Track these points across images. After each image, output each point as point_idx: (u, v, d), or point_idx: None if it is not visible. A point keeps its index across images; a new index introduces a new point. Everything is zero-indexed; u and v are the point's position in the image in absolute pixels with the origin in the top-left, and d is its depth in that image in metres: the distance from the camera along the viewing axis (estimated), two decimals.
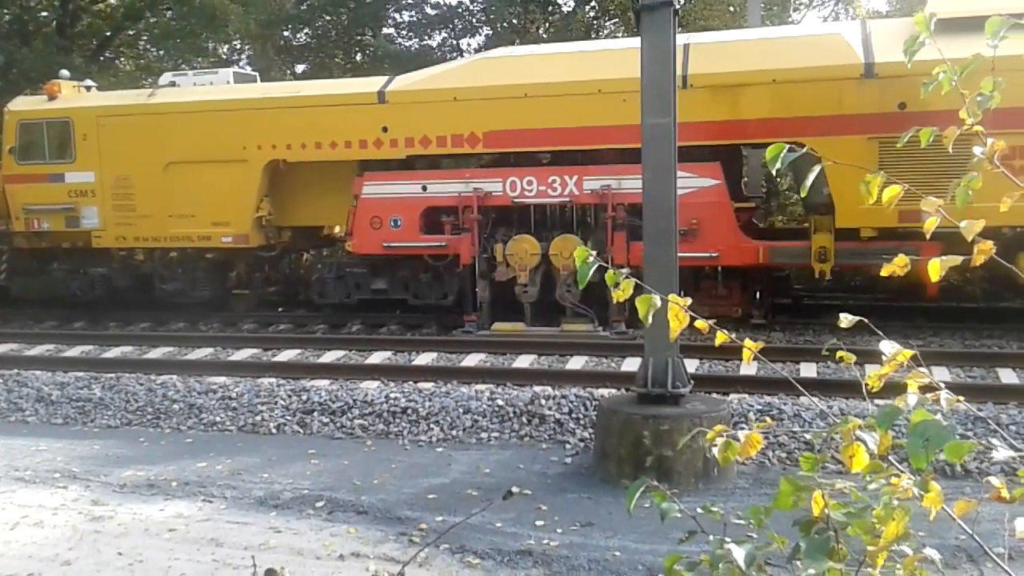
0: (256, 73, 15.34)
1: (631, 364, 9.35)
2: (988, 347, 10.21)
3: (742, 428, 6.22)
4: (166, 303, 13.97)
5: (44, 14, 23.45)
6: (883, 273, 2.10)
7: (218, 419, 8.75)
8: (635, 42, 13.16)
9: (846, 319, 1.99)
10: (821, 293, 14.30)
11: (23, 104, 14.39)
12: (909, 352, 1.87)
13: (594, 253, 2.13)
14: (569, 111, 11.29)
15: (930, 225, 1.95)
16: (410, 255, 12.41)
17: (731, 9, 21.82)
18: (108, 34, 24.58)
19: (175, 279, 13.81)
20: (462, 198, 11.94)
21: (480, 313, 12.04)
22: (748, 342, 2.09)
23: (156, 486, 6.83)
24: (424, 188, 12.20)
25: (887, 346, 1.89)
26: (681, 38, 12.28)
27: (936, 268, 1.93)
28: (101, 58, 23.73)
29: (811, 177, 2.12)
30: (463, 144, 11.92)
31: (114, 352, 11.70)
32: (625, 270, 2.12)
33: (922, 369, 1.84)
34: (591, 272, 2.10)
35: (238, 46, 26.33)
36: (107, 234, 13.67)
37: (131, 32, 25.32)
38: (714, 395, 7.69)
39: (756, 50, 10.99)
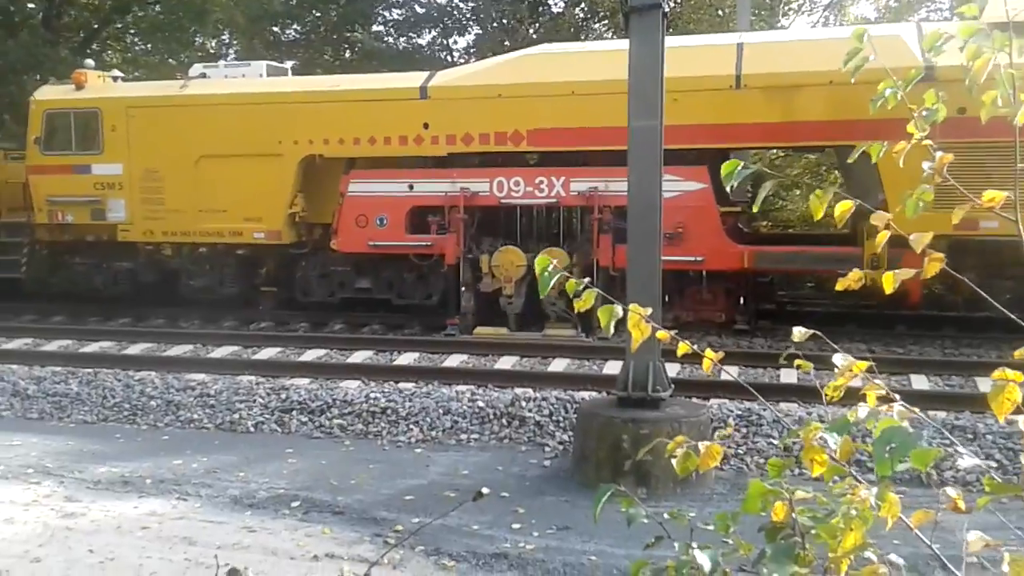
0: (288, 67, 15.01)
1: (612, 367, 9.34)
2: (967, 356, 10.25)
3: (721, 433, 6.19)
4: (189, 299, 13.74)
5: (31, 6, 23.24)
6: (838, 287, 2.12)
7: (196, 416, 8.67)
8: (688, 40, 13.13)
9: (799, 333, 2.00)
10: (804, 299, 14.30)
11: (49, 93, 14.07)
12: (864, 364, 1.87)
13: (554, 262, 2.10)
14: (618, 110, 11.10)
15: (881, 239, 1.97)
16: (395, 254, 12.33)
17: (719, 13, 21.86)
18: (95, 27, 24.37)
19: (203, 275, 13.59)
20: (449, 198, 11.85)
21: (463, 317, 11.99)
22: (709, 352, 2.08)
23: (131, 483, 6.76)
24: (411, 187, 12.11)
25: (840, 359, 1.89)
26: (733, 37, 12.25)
27: (890, 280, 1.95)
28: (88, 51, 23.49)
29: (762, 193, 2.13)
30: (507, 142, 11.74)
31: (92, 347, 11.60)
32: (587, 280, 2.10)
33: (878, 380, 1.85)
34: (553, 281, 2.08)
35: (226, 40, 26.19)
36: (134, 228, 13.43)
37: (118, 25, 25.11)
38: (694, 399, 7.67)
39: (813, 50, 10.70)
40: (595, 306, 2.08)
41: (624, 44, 12.00)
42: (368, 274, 12.72)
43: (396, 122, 12.09)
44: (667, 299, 11.69)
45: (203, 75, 13.80)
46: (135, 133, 13.26)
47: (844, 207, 2.05)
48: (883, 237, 2.02)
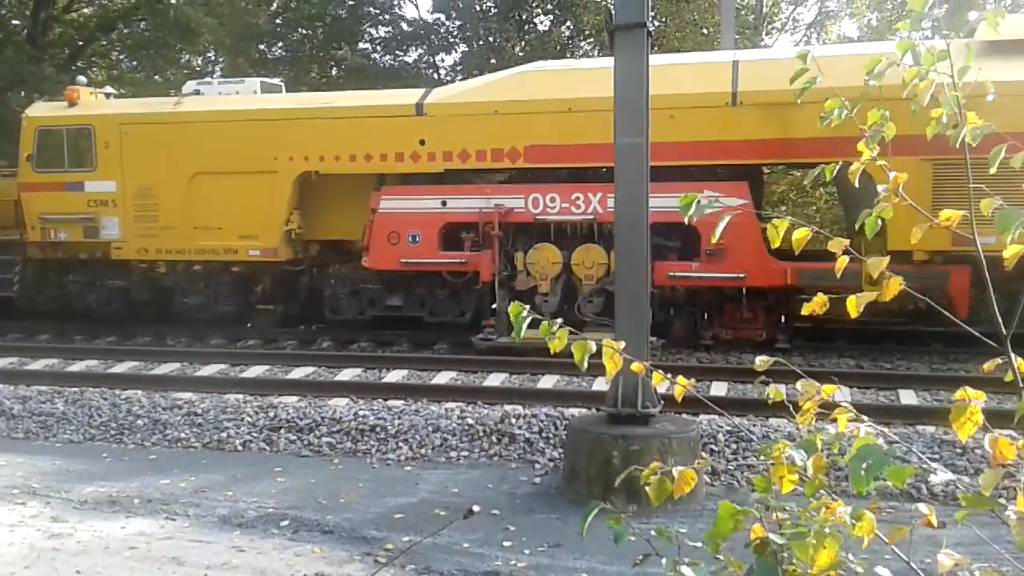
0: (282, 83, 14.95)
1: (602, 384, 9.34)
2: (955, 371, 10.30)
3: (711, 448, 6.20)
4: (185, 318, 13.60)
5: (15, 22, 23.20)
6: (803, 312, 2.17)
7: (183, 435, 8.62)
8: (684, 57, 13.14)
9: (761, 361, 2.05)
10: (843, 317, 13.83)
11: (42, 110, 13.99)
12: (832, 387, 1.93)
13: (527, 308, 2.13)
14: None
15: (841, 263, 2.03)
16: (427, 271, 12.15)
17: (704, 32, 22.04)
18: (80, 44, 24.35)
19: (198, 293, 13.48)
20: (483, 214, 11.71)
21: (499, 319, 11.70)
22: (681, 379, 2.12)
23: (118, 503, 6.71)
24: (444, 203, 11.97)
25: (802, 384, 1.94)
26: (729, 54, 12.28)
27: (853, 304, 2.00)
28: (73, 68, 23.45)
29: (719, 228, 2.20)
30: (503, 159, 11.70)
31: (78, 366, 11.51)
32: (559, 320, 2.11)
33: (845, 403, 1.91)
34: (526, 323, 2.10)
35: (212, 58, 26.20)
36: (128, 246, 13.33)
37: (104, 43, 25.10)
38: (684, 415, 7.68)
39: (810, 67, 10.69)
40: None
41: None
42: (399, 291, 12.49)
43: (392, 139, 12.05)
44: (706, 317, 11.62)
45: (197, 92, 13.75)
46: (129, 150, 13.18)
47: (801, 234, 2.10)
48: (842, 262, 2.08)
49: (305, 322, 13.88)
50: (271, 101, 13.30)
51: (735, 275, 10.89)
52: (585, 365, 2.05)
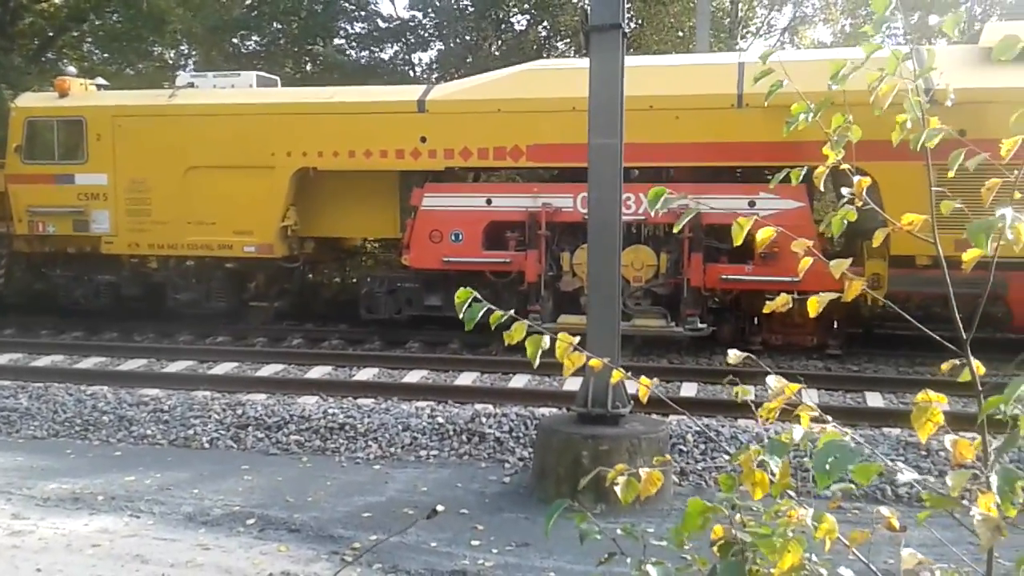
0: (277, 77, 14.74)
1: (572, 383, 9.35)
2: (921, 374, 10.42)
3: (680, 449, 6.23)
4: (178, 314, 13.42)
5: None
6: (765, 311, 2.18)
7: (149, 432, 8.52)
8: (690, 58, 13.14)
9: (734, 356, 2.05)
10: (892, 323, 13.60)
11: (31, 101, 13.75)
12: (796, 386, 1.93)
13: (474, 292, 2.08)
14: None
15: (804, 264, 2.04)
16: (469, 271, 11.86)
17: (679, 34, 22.15)
18: (51, 35, 24.02)
19: (190, 289, 13.29)
20: (529, 213, 11.52)
21: (543, 305, 11.54)
22: (643, 379, 2.12)
23: (81, 500, 6.62)
24: (488, 202, 11.80)
25: (772, 380, 1.94)
26: (734, 56, 12.30)
27: (814, 305, 2.02)
28: (42, 59, 23.15)
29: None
30: (505, 157, 11.62)
31: (43, 361, 11.36)
32: (511, 311, 2.07)
33: (810, 402, 1.91)
34: (480, 314, 2.06)
35: (185, 51, 25.93)
36: (119, 240, 13.13)
37: (75, 34, 24.76)
38: (654, 416, 7.70)
39: (816, 70, 10.58)
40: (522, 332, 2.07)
41: (631, 61, 11.96)
42: (438, 291, 12.19)
43: (393, 135, 11.94)
44: (756, 322, 11.56)
45: (191, 84, 13.55)
46: (121, 143, 12.98)
47: (767, 233, 2.11)
48: (805, 263, 2.10)
49: (280, 319, 13.79)
50: (268, 95, 13.15)
51: (790, 279, 10.44)
52: (537, 361, 2.03)
